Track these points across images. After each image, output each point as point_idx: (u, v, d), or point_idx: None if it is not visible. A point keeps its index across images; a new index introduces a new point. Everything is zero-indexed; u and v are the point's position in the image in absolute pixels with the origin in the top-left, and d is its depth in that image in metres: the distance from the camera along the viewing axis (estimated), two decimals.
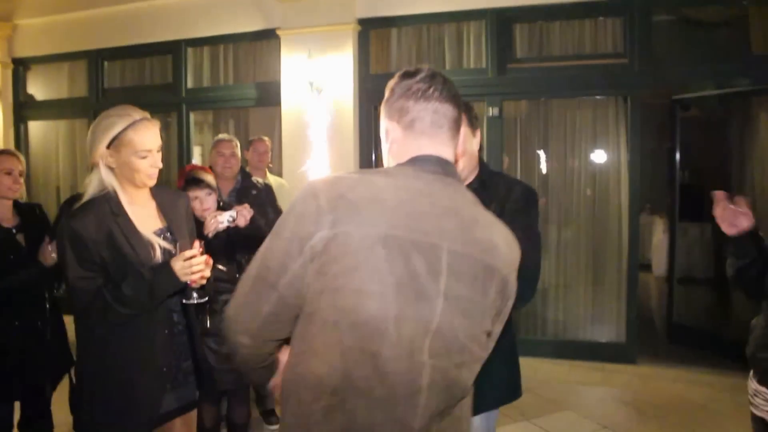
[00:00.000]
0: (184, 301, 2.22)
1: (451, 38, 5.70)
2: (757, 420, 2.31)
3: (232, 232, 3.00)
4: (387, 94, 1.46)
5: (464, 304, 1.31)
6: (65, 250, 2.04)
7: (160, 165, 2.18)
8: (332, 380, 1.27)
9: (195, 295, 2.20)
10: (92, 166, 2.16)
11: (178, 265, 2.08)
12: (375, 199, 1.29)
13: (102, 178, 2.13)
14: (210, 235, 2.91)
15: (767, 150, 5.29)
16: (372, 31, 5.81)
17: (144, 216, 2.20)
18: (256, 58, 6.38)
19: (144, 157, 2.11)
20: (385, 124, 1.47)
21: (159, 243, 2.17)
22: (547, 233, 5.60)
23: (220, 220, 2.94)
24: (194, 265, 2.09)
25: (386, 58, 5.91)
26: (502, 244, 1.39)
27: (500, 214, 1.93)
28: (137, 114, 2.13)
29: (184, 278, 2.10)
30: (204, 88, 6.59)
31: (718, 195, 2.20)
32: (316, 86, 5.60)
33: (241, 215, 3.00)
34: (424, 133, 1.40)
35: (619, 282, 5.45)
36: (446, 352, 1.31)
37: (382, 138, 1.49)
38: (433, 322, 1.28)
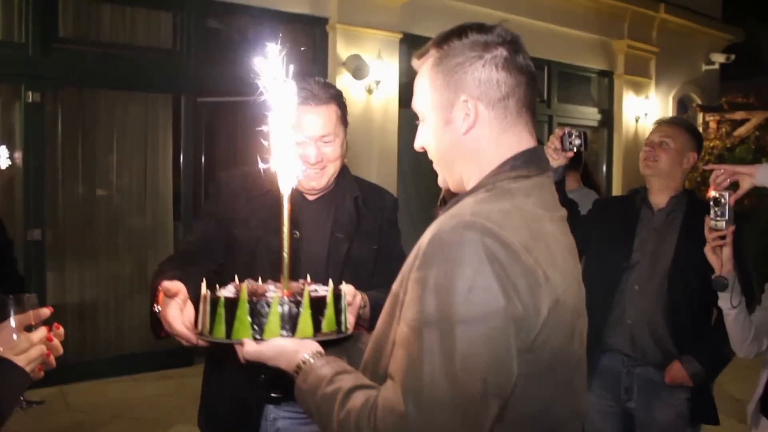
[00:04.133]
0: None
1: None
2: None
3: None
4: (438, 53, 1.01)
5: None
6: None
7: None
8: None
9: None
10: None
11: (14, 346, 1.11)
12: (553, 236, 0.97)
13: None
14: None
15: None
16: None
17: None
18: None
19: None
20: (442, 98, 1.01)
21: None
22: (97, 237, 5.05)
23: None
24: (36, 343, 1.15)
25: None
26: None
27: (380, 230, 1.73)
28: None
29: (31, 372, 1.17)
30: None
31: None
32: None
33: None
34: (520, 117, 1.01)
35: None
36: None
37: (433, 123, 1.04)
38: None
